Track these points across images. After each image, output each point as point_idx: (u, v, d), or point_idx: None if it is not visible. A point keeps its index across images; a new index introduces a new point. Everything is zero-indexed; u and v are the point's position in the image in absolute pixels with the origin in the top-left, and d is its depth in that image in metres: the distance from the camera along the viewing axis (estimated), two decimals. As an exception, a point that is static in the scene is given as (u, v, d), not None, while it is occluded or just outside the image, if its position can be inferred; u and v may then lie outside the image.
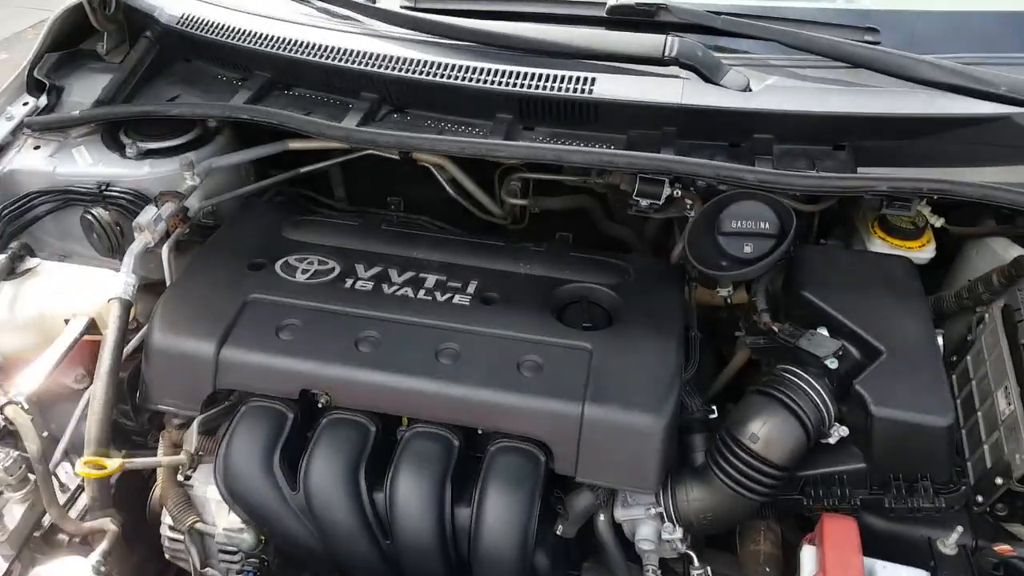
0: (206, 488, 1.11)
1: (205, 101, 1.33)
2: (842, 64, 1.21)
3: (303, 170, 1.47)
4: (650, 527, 1.12)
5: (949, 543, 1.01)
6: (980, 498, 1.15)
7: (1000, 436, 1.13)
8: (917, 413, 1.03)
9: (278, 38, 1.32)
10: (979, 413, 1.20)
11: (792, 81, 1.26)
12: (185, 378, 1.10)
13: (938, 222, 1.30)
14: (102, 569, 0.96)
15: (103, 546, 0.98)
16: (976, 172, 1.23)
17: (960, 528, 1.00)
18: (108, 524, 1.01)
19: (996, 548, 1.07)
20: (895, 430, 1.04)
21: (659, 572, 1.14)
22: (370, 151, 1.40)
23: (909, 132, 1.26)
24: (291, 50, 1.30)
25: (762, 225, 1.14)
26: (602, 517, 1.13)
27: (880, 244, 1.28)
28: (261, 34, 1.34)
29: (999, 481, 1.11)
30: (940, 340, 1.22)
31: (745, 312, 1.26)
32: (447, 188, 1.49)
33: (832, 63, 1.22)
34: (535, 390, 1.07)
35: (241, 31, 1.35)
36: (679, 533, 1.10)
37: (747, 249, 1.14)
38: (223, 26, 1.36)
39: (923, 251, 1.27)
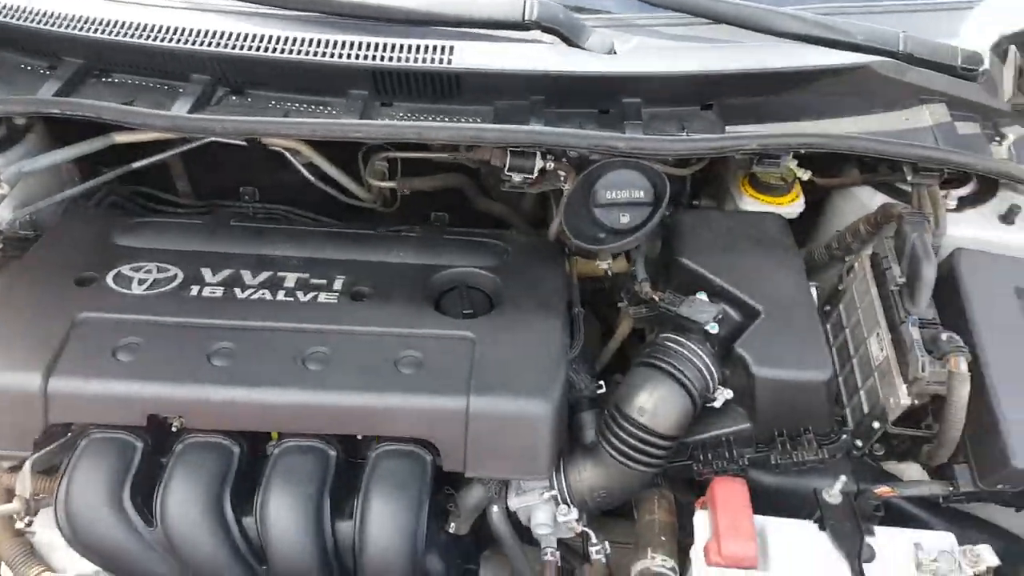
0: (51, 534, 1.00)
1: (5, 95, 1.18)
2: (704, 20, 1.21)
3: (135, 165, 1.33)
4: (545, 511, 1.10)
5: (833, 492, 1.04)
6: (859, 443, 1.20)
7: (875, 381, 1.18)
8: (796, 370, 1.05)
9: (88, 19, 1.18)
10: (854, 361, 1.25)
11: (656, 41, 1.25)
12: (11, 416, 0.98)
13: (805, 175, 1.33)
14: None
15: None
16: (839, 123, 1.27)
17: (843, 477, 1.03)
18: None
19: (877, 491, 1.12)
20: (776, 388, 1.06)
21: (557, 554, 1.13)
22: (215, 139, 1.29)
23: (774, 87, 1.28)
24: (104, 31, 1.16)
25: (637, 194, 1.12)
26: (495, 508, 1.09)
27: (751, 202, 1.30)
28: (68, 15, 1.19)
29: (876, 425, 1.16)
30: (814, 293, 1.27)
31: (626, 282, 1.25)
32: (305, 173, 1.40)
33: (694, 19, 1.21)
34: (415, 388, 1.01)
35: (45, 13, 1.20)
36: (574, 514, 1.09)
37: (624, 219, 1.13)
38: (21, 8, 1.21)
39: (792, 206, 1.30)
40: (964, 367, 1.03)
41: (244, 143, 1.30)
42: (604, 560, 1.14)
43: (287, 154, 1.36)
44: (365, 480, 1.00)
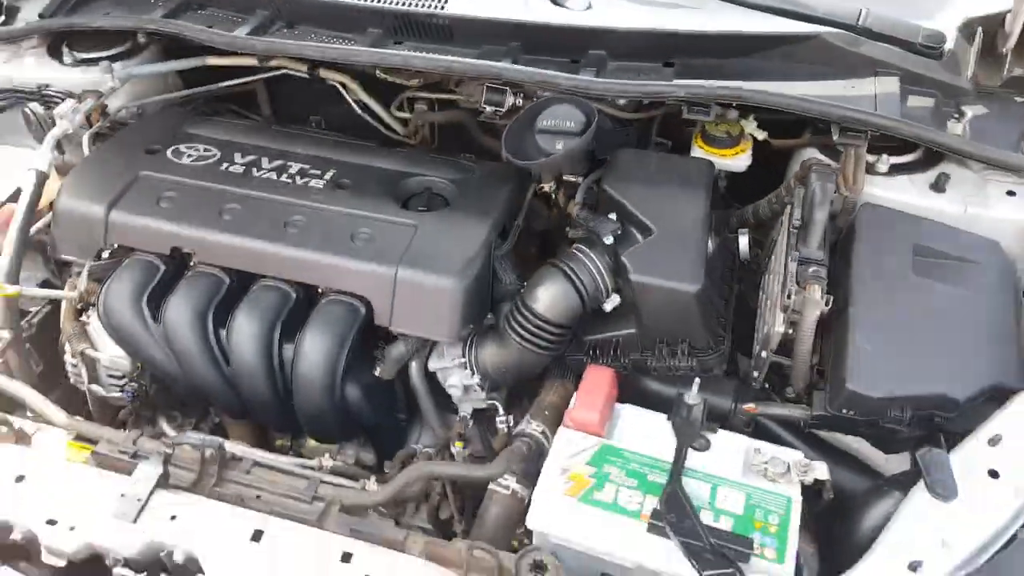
0: (98, 324, 1.40)
1: (120, 15, 1.62)
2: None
3: (222, 84, 1.74)
4: (456, 376, 1.35)
5: (691, 394, 1.20)
6: (756, 374, 1.33)
7: (767, 313, 1.31)
8: (668, 280, 1.22)
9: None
10: (768, 301, 1.38)
11: (627, 1, 1.46)
12: (82, 234, 1.39)
13: (760, 135, 1.47)
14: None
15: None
16: (786, 86, 1.40)
17: (698, 381, 1.19)
18: (4, 334, 1.32)
19: (745, 407, 1.26)
20: (651, 295, 1.23)
21: (469, 418, 1.37)
22: (285, 71, 1.66)
23: (730, 50, 1.45)
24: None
25: (569, 124, 1.34)
26: (414, 364, 1.36)
27: (699, 152, 1.46)
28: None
29: (764, 354, 1.29)
30: (744, 240, 1.41)
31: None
32: (355, 107, 1.74)
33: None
34: (361, 256, 1.30)
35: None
36: (477, 379, 1.33)
37: (558, 146, 1.35)
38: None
39: (737, 159, 1.45)
40: (817, 294, 1.16)
41: (307, 75, 1.67)
42: (506, 430, 1.37)
43: (340, 88, 1.72)
44: (311, 316, 1.30)
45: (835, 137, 1.33)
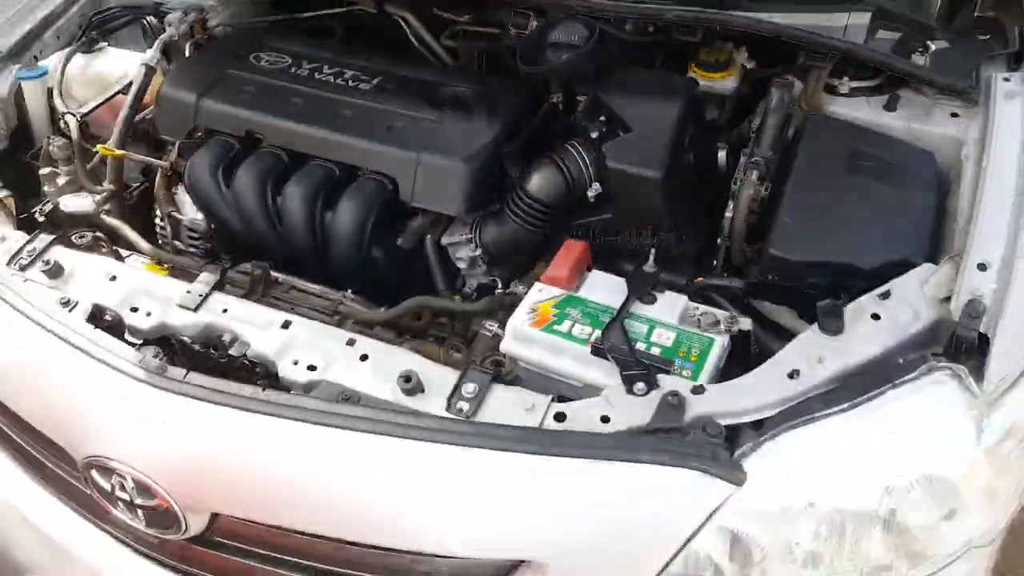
0: (182, 192, 1.77)
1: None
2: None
3: (304, 15, 2.09)
4: (464, 250, 1.64)
5: (648, 264, 1.45)
6: (715, 261, 1.56)
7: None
8: (636, 167, 1.47)
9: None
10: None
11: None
12: (177, 117, 1.75)
13: (750, 64, 1.70)
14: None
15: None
16: (771, 17, 1.62)
17: (653, 252, 1.44)
18: (110, 186, 1.70)
19: (697, 281, 1.50)
20: (623, 180, 1.49)
21: (474, 289, 1.66)
22: (359, 8, 2.00)
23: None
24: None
25: (574, 39, 1.61)
26: (429, 238, 1.65)
27: (691, 74, 1.70)
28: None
29: (719, 240, 1.53)
30: (722, 154, 1.64)
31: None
32: (412, 40, 2.06)
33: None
34: (392, 143, 1.61)
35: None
36: (479, 252, 1.61)
37: (563, 57, 1.62)
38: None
39: (723, 81, 1.68)
40: (753, 176, 1.39)
41: (374, 10, 2.00)
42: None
43: (401, 22, 2.04)
44: (348, 188, 1.62)
45: (800, 60, 1.55)
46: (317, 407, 1.14)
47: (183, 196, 1.78)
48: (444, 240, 1.66)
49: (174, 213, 1.76)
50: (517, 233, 1.58)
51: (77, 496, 1.35)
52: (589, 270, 1.48)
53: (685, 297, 1.40)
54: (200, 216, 1.75)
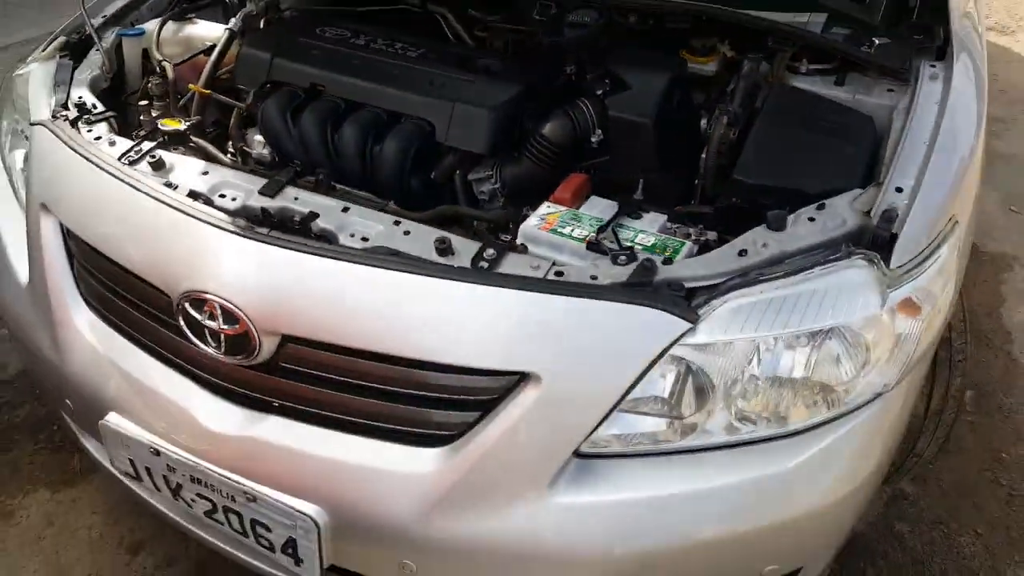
0: (253, 132, 2.16)
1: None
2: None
3: (358, 8, 2.52)
4: (486, 185, 2.01)
5: (636, 194, 1.82)
6: (693, 201, 1.93)
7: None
8: (630, 114, 1.86)
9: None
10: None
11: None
12: (253, 71, 2.15)
13: (729, 52, 2.11)
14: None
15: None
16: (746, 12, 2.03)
17: (642, 183, 1.81)
18: (195, 119, 2.09)
19: (676, 209, 1.86)
20: (620, 126, 1.87)
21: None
22: (406, 4, 2.43)
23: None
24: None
25: (587, 19, 2.01)
26: (458, 174, 2.02)
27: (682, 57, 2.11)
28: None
29: (696, 182, 1.90)
30: (703, 121, 2.03)
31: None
32: (449, 34, 2.48)
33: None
34: (432, 94, 2.00)
35: None
36: (498, 185, 1.98)
37: (576, 34, 2.02)
38: None
39: (706, 64, 2.08)
40: (724, 120, 1.77)
41: (418, 8, 2.42)
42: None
43: (441, 20, 2.46)
44: (393, 128, 2.00)
45: (768, 43, 1.95)
46: (370, 255, 1.50)
47: (252, 136, 2.16)
48: (470, 176, 2.03)
49: (244, 148, 2.14)
50: (531, 170, 1.95)
51: (161, 339, 1.69)
52: (588, 198, 1.85)
53: (665, 216, 1.76)
54: (267, 151, 2.13)
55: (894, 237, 1.50)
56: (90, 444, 2.09)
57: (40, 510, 2.50)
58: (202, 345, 1.58)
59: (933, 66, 1.88)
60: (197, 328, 1.57)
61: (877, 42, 1.97)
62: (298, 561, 1.65)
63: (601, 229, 1.67)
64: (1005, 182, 3.99)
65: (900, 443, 1.73)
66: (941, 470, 2.55)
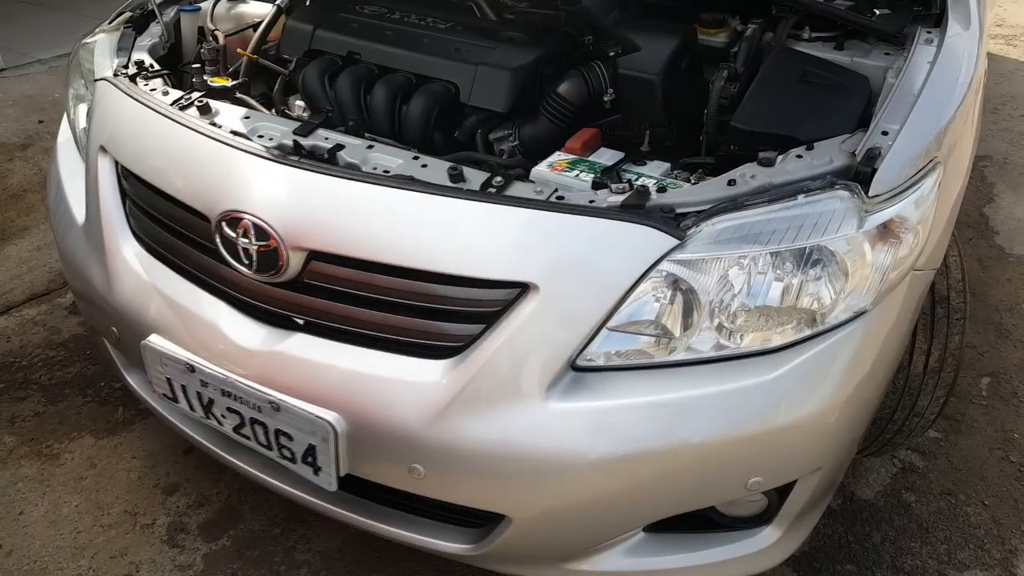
0: (293, 99, 2.36)
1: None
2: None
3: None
4: (506, 143, 2.17)
5: (643, 146, 1.96)
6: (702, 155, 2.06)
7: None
8: (638, 71, 2.01)
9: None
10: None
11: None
12: (297, 41, 2.36)
13: (739, 26, 2.25)
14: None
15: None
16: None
17: (648, 134, 1.95)
18: (242, 80, 2.29)
19: (680, 161, 1.99)
20: (630, 83, 2.02)
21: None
22: None
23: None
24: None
25: (602, -9, 2.18)
26: (479, 132, 2.19)
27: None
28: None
29: (701, 138, 2.03)
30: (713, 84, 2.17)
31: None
32: (475, 10, 2.67)
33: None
34: (456, 59, 2.18)
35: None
36: (517, 143, 2.14)
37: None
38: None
39: (716, 36, 2.23)
40: (724, 73, 1.90)
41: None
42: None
43: (473, 7, 2.65)
44: (420, 88, 2.18)
45: (773, 12, 2.09)
46: (389, 179, 1.66)
47: (293, 101, 2.37)
48: (491, 135, 2.19)
49: (286, 111, 2.34)
50: (547, 128, 2.11)
51: (199, 263, 1.87)
52: (597, 149, 2.00)
53: (668, 164, 1.90)
54: (306, 115, 2.33)
55: (875, 172, 1.61)
56: (131, 378, 2.27)
57: (84, 454, 2.69)
58: (235, 263, 1.76)
59: (929, 32, 2.00)
60: (232, 247, 1.74)
61: (877, 12, 2.09)
62: (317, 470, 1.79)
63: (606, 171, 1.81)
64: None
65: (893, 369, 1.81)
66: (951, 447, 2.60)
